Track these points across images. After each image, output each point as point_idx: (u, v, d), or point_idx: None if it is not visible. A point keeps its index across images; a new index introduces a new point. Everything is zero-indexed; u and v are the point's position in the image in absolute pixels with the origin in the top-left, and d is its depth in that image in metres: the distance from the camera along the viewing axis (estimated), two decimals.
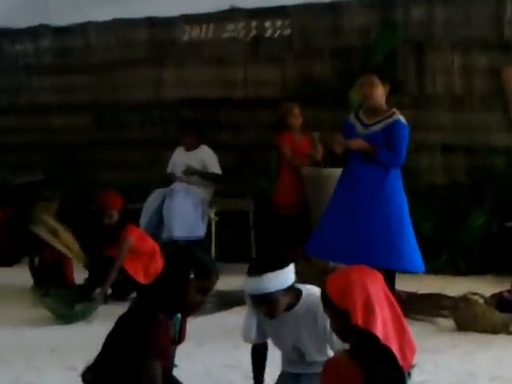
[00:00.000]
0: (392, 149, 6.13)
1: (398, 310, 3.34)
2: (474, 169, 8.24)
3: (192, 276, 3.56)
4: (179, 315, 3.75)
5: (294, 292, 3.87)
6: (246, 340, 4.14)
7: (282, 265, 3.78)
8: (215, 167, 8.56)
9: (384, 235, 6.06)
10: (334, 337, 3.58)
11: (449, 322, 6.15)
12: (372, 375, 3.14)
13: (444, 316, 6.30)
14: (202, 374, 4.88)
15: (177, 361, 4.49)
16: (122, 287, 7.03)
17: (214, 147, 8.63)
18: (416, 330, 5.87)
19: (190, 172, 8.46)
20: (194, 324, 6.24)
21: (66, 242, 7.27)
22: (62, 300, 6.58)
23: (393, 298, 3.36)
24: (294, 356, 4.04)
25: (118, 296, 7.03)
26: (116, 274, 6.86)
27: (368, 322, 3.17)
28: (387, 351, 3.19)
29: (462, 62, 8.32)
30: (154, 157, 9.41)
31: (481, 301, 6.09)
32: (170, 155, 8.75)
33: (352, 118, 6.36)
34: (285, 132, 8.17)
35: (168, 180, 8.64)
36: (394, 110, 6.27)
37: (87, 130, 9.95)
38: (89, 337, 5.79)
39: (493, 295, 6.39)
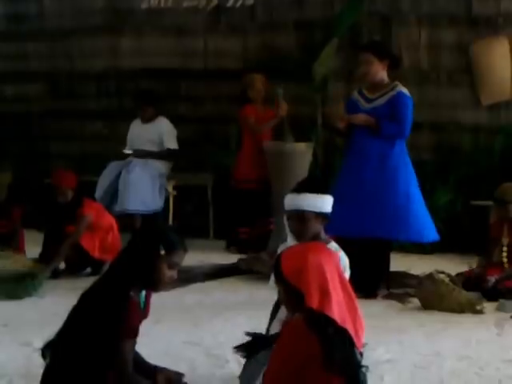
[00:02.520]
0: (396, 120, 6.14)
1: (350, 290, 3.38)
2: (440, 146, 8.19)
3: (162, 251, 3.49)
4: (143, 291, 3.66)
5: (323, 227, 4.11)
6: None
7: (321, 190, 4.09)
8: (171, 142, 8.36)
9: (391, 207, 6.09)
10: None
11: (414, 301, 6.06)
12: (330, 350, 3.08)
13: (409, 295, 6.19)
14: (161, 351, 4.75)
15: None
16: (76, 262, 6.93)
17: (173, 119, 8.47)
18: (381, 309, 5.89)
19: (139, 155, 8.22)
20: (151, 300, 6.15)
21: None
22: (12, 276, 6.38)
23: (345, 279, 3.41)
24: None
25: (71, 271, 6.95)
26: (67, 249, 6.75)
27: (323, 305, 3.18)
28: (344, 333, 3.18)
29: (429, 36, 8.24)
30: (110, 128, 9.22)
31: (447, 279, 5.98)
32: (127, 126, 8.56)
33: (355, 95, 6.36)
34: (247, 104, 7.99)
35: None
36: (397, 82, 6.27)
37: (41, 100, 9.72)
38: (42, 311, 5.72)
39: (459, 274, 6.35)
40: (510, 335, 5.29)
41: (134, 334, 3.46)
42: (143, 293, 3.65)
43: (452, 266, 6.84)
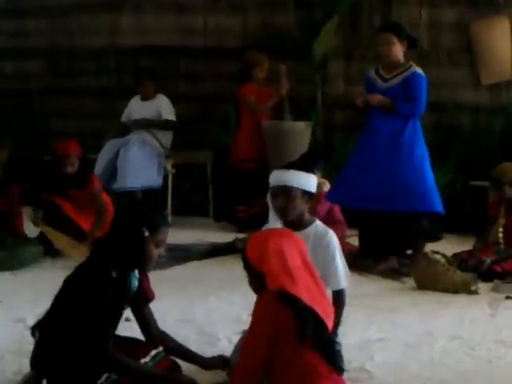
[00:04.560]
0: (411, 100, 6.29)
1: (316, 274, 3.44)
2: (440, 126, 8.15)
3: (146, 233, 3.51)
4: (136, 273, 3.70)
5: (309, 207, 4.11)
6: None
7: (307, 169, 4.08)
8: (169, 114, 8.34)
9: (405, 184, 6.25)
10: (335, 274, 3.97)
11: (409, 281, 6.06)
12: (303, 323, 3.20)
13: (405, 274, 6.19)
14: None
15: (130, 315, 4.34)
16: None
17: (172, 97, 8.46)
18: (376, 289, 5.89)
19: (140, 125, 8.20)
20: None
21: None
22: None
23: (310, 264, 3.46)
24: None
25: None
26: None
27: (286, 286, 3.26)
28: (313, 310, 3.27)
29: (430, 15, 8.21)
30: (109, 106, 9.17)
31: (442, 260, 5.97)
32: (126, 104, 8.53)
33: (372, 74, 6.49)
34: (247, 83, 7.95)
35: (123, 130, 8.39)
36: (412, 63, 6.40)
37: (40, 77, 9.66)
38: (38, 289, 5.72)
39: (455, 254, 6.36)
40: (503, 316, 5.29)
41: (115, 313, 3.52)
42: (135, 274, 3.69)
43: (450, 246, 6.84)
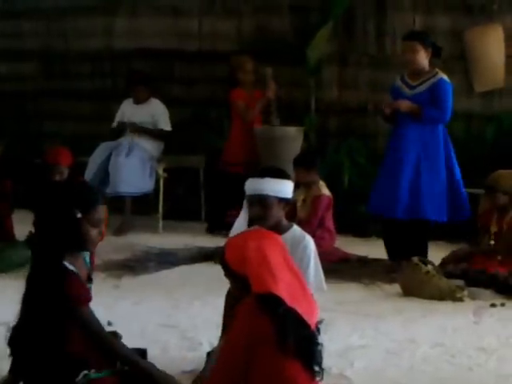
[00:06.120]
0: (438, 106, 6.37)
1: (298, 272, 3.43)
2: None
3: (79, 214, 3.40)
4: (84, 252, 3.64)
5: (287, 213, 4.13)
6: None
7: (283, 176, 4.10)
8: (165, 123, 8.31)
9: (432, 190, 6.36)
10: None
11: (395, 288, 6.04)
12: (283, 330, 3.16)
13: (392, 281, 6.17)
14: (136, 333, 4.78)
15: (113, 319, 4.35)
16: None
17: (166, 101, 8.43)
18: (362, 295, 5.89)
19: (134, 129, 8.19)
20: (133, 282, 6.17)
21: None
22: None
23: (292, 261, 3.42)
24: None
25: None
26: None
27: (270, 286, 3.22)
28: (294, 312, 3.23)
29: (424, 22, 8.18)
30: (103, 109, 9.16)
31: (429, 267, 5.96)
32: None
33: (398, 82, 6.59)
34: (236, 88, 7.95)
35: (116, 133, 8.38)
36: (437, 70, 6.47)
37: (35, 79, 9.66)
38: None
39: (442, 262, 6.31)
40: (486, 323, 5.29)
41: (86, 299, 3.43)
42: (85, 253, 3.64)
43: (440, 253, 6.76)
